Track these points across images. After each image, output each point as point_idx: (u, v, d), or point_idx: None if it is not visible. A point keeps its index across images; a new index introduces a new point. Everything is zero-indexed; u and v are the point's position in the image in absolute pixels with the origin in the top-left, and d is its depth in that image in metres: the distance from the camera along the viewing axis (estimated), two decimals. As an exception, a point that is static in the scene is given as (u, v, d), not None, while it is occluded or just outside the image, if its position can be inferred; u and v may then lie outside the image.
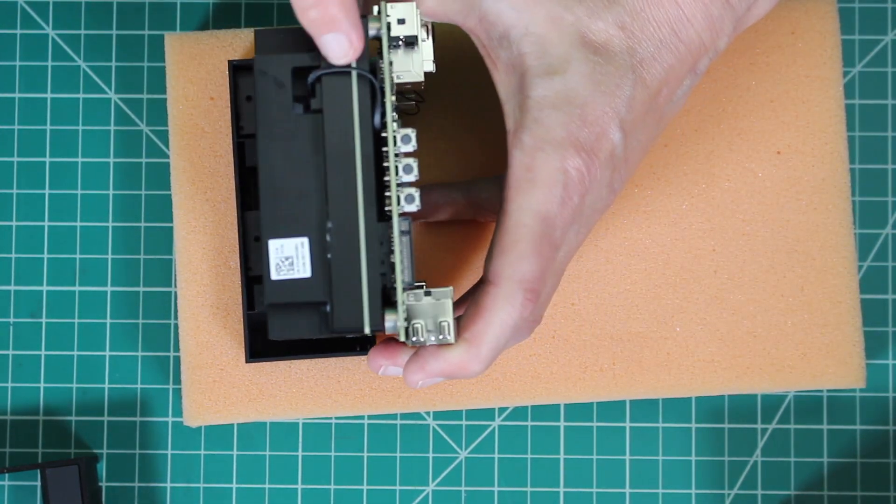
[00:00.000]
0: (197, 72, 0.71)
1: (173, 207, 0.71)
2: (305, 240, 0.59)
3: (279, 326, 0.60)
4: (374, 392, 0.71)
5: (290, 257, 0.59)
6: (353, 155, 0.59)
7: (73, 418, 0.73)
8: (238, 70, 0.69)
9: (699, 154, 0.72)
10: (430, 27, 0.61)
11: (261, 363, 0.71)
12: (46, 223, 0.74)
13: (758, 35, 0.72)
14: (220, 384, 0.71)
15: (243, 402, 0.71)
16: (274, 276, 0.60)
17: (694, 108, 0.72)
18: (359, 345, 0.70)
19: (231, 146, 0.71)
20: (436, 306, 0.60)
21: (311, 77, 0.59)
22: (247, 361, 0.69)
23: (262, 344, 0.70)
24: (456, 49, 0.71)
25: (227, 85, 0.71)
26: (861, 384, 0.71)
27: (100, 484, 0.73)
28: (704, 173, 0.71)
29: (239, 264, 0.71)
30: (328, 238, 0.59)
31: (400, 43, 0.60)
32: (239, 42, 0.72)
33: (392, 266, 0.59)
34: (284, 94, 0.60)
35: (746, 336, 0.71)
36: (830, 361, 0.71)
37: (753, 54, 0.72)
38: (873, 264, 0.74)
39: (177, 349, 0.73)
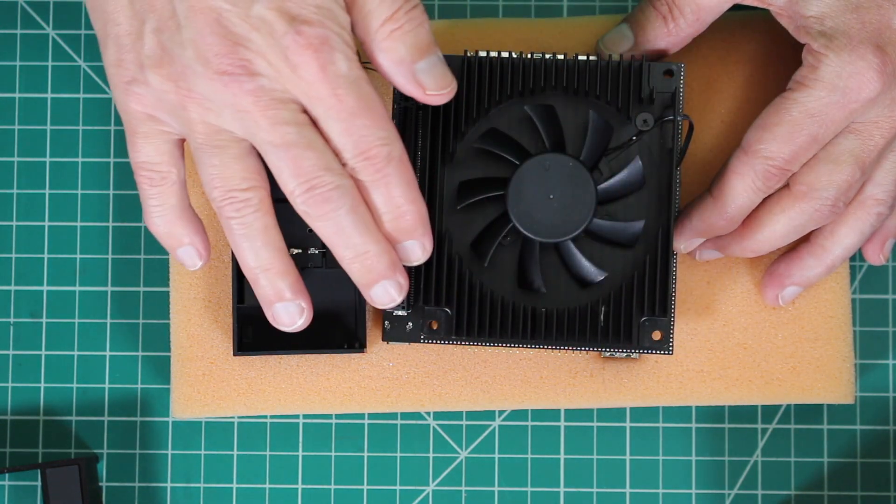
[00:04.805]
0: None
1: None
2: None
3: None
4: (362, 390, 0.71)
5: None
6: None
7: (73, 418, 0.73)
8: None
9: (693, 163, 0.72)
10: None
11: (250, 358, 0.71)
12: (46, 223, 0.74)
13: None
14: (209, 378, 0.71)
15: (232, 397, 0.71)
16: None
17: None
18: (346, 342, 0.70)
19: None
20: None
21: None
22: (234, 354, 0.69)
23: (250, 337, 0.70)
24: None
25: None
26: (849, 400, 0.71)
27: (100, 484, 0.73)
28: (698, 183, 0.71)
29: (231, 258, 0.71)
30: None
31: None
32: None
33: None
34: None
35: (737, 348, 0.71)
36: (820, 376, 0.71)
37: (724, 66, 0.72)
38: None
39: (177, 349, 0.73)
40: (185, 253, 0.64)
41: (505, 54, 0.68)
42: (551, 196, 0.66)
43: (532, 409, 0.73)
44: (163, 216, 0.63)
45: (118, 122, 0.74)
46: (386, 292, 0.63)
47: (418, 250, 0.63)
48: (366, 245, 0.61)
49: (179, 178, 0.63)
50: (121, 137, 0.74)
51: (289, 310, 0.63)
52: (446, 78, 0.62)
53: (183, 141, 0.63)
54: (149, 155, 0.62)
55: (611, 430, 0.73)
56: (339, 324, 0.71)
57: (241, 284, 0.69)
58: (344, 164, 0.60)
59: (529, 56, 0.68)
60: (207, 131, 0.60)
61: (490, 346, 0.69)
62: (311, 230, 0.69)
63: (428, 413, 0.73)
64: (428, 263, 0.67)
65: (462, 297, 0.68)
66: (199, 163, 0.61)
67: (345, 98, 0.59)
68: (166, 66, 0.59)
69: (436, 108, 0.68)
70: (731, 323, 0.72)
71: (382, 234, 0.62)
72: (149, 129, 0.62)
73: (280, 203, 0.70)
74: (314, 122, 0.60)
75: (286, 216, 0.70)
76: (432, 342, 0.68)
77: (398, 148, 0.61)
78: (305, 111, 0.60)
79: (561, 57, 0.68)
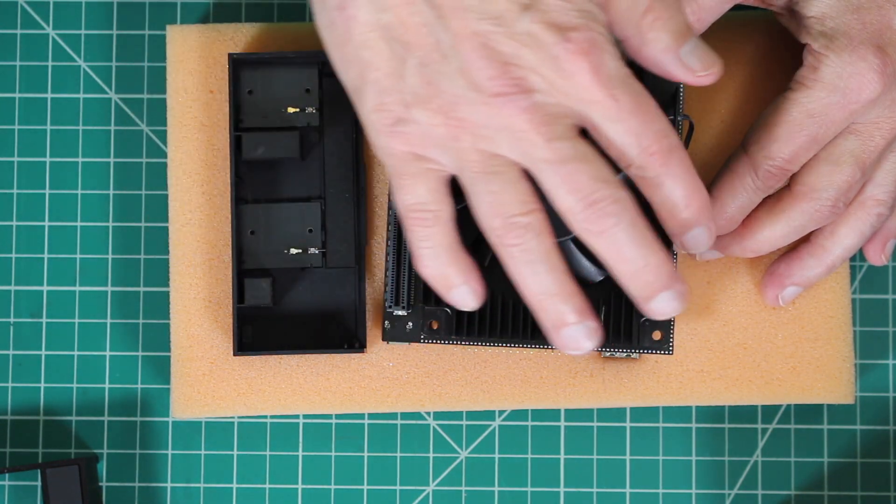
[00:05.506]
0: (197, 64, 0.71)
1: (169, 200, 0.71)
2: None
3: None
4: (362, 390, 0.71)
5: None
6: None
7: (73, 418, 0.73)
8: (238, 64, 0.69)
9: (693, 163, 0.72)
10: None
11: (250, 358, 0.71)
12: (46, 223, 0.74)
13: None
14: (209, 378, 0.71)
15: (232, 397, 0.71)
16: None
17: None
18: (346, 342, 0.70)
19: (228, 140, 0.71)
20: None
21: None
22: (234, 354, 0.69)
23: (250, 337, 0.70)
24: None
25: (227, 78, 0.71)
26: (849, 400, 0.71)
27: (100, 484, 0.73)
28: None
29: (231, 258, 0.70)
30: None
31: None
32: (241, 36, 0.72)
33: None
34: None
35: (737, 348, 0.71)
36: (820, 376, 0.71)
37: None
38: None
39: (177, 349, 0.73)
40: (459, 294, 0.62)
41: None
42: (552, 196, 0.66)
43: (532, 409, 0.73)
44: (436, 258, 0.61)
45: (118, 122, 0.74)
46: (668, 303, 0.61)
47: (705, 236, 0.62)
48: (646, 258, 0.59)
49: (451, 216, 0.61)
50: (121, 137, 0.74)
51: (578, 333, 0.61)
52: (712, 57, 0.61)
53: (450, 177, 0.61)
54: (419, 195, 0.60)
55: (611, 430, 0.73)
56: (339, 324, 0.71)
57: (241, 284, 0.69)
58: (628, 166, 0.59)
59: (530, 56, 0.68)
60: (481, 159, 0.59)
61: (490, 346, 0.69)
62: (310, 230, 0.70)
63: (428, 413, 0.73)
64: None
65: None
66: (474, 193, 0.59)
67: (621, 98, 0.58)
68: (434, 99, 0.58)
69: None
70: (731, 323, 0.72)
71: (671, 226, 0.61)
72: (416, 168, 0.60)
73: (280, 203, 0.70)
74: (585, 133, 0.59)
75: (285, 215, 0.70)
76: (432, 342, 0.68)
77: (676, 137, 0.60)
78: (576, 125, 0.59)
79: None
